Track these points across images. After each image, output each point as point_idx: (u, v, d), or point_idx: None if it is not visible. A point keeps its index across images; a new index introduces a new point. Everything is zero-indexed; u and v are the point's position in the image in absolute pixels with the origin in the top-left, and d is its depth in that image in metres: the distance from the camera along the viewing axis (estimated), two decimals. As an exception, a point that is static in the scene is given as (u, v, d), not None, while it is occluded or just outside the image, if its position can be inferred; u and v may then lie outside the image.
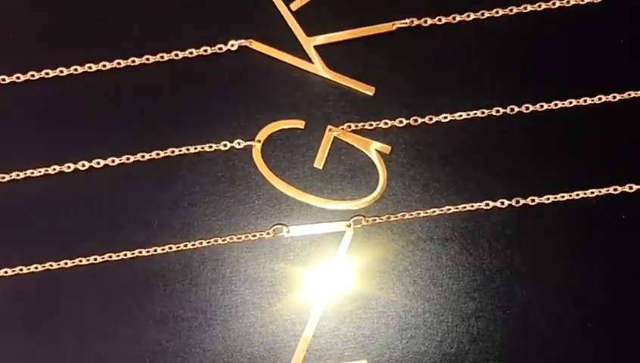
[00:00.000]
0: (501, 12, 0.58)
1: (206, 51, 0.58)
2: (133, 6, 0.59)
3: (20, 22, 0.59)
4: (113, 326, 0.58)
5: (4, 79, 0.58)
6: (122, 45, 0.59)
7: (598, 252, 0.58)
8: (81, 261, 0.58)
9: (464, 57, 0.58)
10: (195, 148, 0.59)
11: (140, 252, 0.59)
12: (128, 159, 0.59)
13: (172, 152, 0.59)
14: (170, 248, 0.59)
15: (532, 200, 0.59)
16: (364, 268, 0.58)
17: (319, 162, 0.59)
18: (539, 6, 0.57)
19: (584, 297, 0.57)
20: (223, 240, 0.59)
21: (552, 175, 0.59)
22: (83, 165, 0.59)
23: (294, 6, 0.58)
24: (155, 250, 0.59)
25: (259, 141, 0.59)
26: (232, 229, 0.59)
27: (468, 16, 0.58)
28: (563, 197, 0.59)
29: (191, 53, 0.59)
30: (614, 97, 0.59)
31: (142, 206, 0.59)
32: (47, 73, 0.58)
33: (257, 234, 0.59)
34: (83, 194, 0.58)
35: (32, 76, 0.58)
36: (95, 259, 0.58)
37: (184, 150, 0.59)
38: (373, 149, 0.59)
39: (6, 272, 0.58)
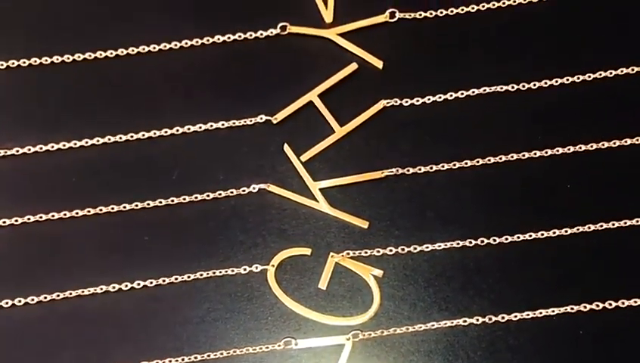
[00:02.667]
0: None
1: (232, 192, 0.59)
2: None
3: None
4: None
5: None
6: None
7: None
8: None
9: (439, 199, 0.59)
10: (220, 272, 0.59)
11: (170, 361, 0.57)
12: (164, 281, 0.59)
13: (201, 275, 0.59)
14: (196, 357, 0.57)
15: (503, 317, 0.58)
16: (361, 375, 0.54)
17: (323, 284, 0.59)
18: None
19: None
20: (240, 351, 0.57)
21: (519, 296, 0.58)
22: (125, 286, 0.58)
23: (304, 158, 0.60)
24: (182, 359, 0.57)
25: (273, 265, 0.58)
26: (248, 341, 0.58)
27: (443, 165, 0.59)
28: (528, 315, 0.58)
29: (220, 194, 0.59)
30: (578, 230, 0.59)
31: (173, 321, 0.58)
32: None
33: (269, 346, 0.57)
34: (118, 309, 0.58)
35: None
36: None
37: (210, 273, 0.59)
38: (368, 273, 0.59)
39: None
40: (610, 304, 0.57)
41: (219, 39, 0.60)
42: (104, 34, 0.60)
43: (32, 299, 0.58)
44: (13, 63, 0.60)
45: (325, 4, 0.60)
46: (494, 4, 0.61)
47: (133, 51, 0.60)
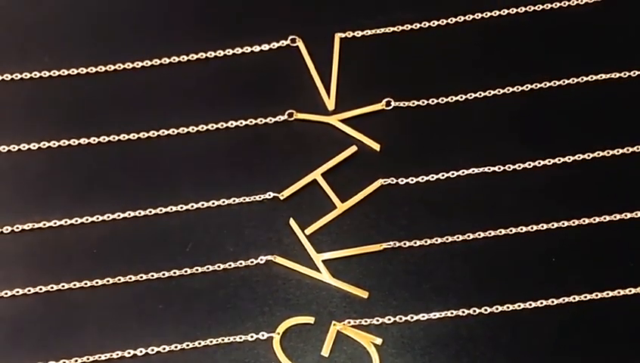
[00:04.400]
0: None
1: (241, 263, 0.58)
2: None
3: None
4: None
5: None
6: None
7: None
8: None
9: (434, 271, 0.57)
10: (229, 339, 0.56)
11: (180, 425, 0.52)
12: (176, 347, 0.56)
13: (211, 342, 0.56)
14: (204, 422, 0.52)
15: None
16: None
17: (326, 351, 0.56)
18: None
19: None
20: (247, 416, 0.54)
21: None
22: (140, 351, 0.56)
23: (308, 231, 0.58)
24: (192, 423, 0.52)
25: (278, 333, 0.56)
26: (255, 406, 0.53)
27: (437, 240, 0.58)
28: None
29: (229, 265, 0.57)
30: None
31: None
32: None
33: (275, 411, 0.54)
34: None
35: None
36: None
37: (219, 340, 0.56)
38: (369, 341, 0.56)
39: None
40: None
41: (232, 124, 0.60)
42: (127, 118, 0.60)
43: None
44: (44, 144, 0.59)
45: (328, 93, 0.61)
46: (480, 94, 0.61)
47: (154, 134, 0.60)
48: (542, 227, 0.57)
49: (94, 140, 0.60)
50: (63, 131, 0.60)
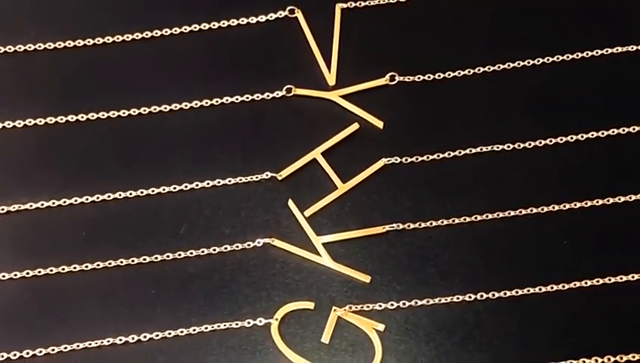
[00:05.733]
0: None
1: (237, 246, 0.56)
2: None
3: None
4: None
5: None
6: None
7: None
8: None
9: (439, 254, 0.55)
10: (224, 325, 0.54)
11: (174, 415, 0.50)
12: (169, 333, 0.54)
13: (206, 328, 0.54)
14: (199, 412, 0.50)
15: None
16: None
17: (326, 338, 0.54)
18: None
19: None
20: (244, 405, 0.51)
21: (519, 351, 0.53)
22: (132, 338, 0.54)
23: (307, 213, 0.56)
24: (186, 413, 0.50)
25: (276, 319, 0.54)
26: (252, 395, 0.51)
27: (442, 221, 0.56)
28: None
29: (225, 248, 0.56)
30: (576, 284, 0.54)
31: None
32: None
33: (273, 399, 0.51)
34: (124, 362, 0.53)
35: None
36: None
37: (215, 326, 0.54)
38: (370, 327, 0.54)
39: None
40: (609, 358, 0.53)
41: (227, 100, 0.58)
42: (117, 94, 0.58)
43: (40, 352, 0.53)
44: (30, 122, 0.57)
45: (328, 68, 0.58)
46: (489, 68, 0.58)
47: (145, 111, 0.58)
48: (553, 208, 0.55)
49: (82, 117, 0.57)
50: (50, 109, 0.57)
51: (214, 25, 0.58)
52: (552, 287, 0.54)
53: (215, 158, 0.56)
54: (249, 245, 0.55)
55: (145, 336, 0.54)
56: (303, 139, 0.56)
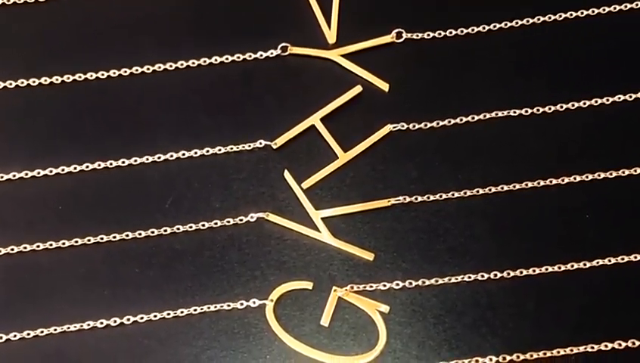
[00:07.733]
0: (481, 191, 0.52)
1: (229, 221, 0.53)
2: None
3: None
4: None
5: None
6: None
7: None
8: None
9: (449, 230, 0.53)
10: (215, 306, 0.51)
11: (161, 403, 0.47)
12: (155, 316, 0.51)
13: (195, 310, 0.51)
14: (189, 399, 0.48)
15: (517, 357, 0.50)
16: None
17: (325, 320, 0.51)
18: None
19: None
20: (237, 392, 0.48)
21: (535, 334, 0.51)
22: (114, 321, 0.52)
23: (305, 185, 0.53)
24: (175, 400, 0.48)
25: (271, 300, 0.51)
26: (246, 382, 0.48)
27: (453, 194, 0.53)
28: (545, 354, 0.50)
29: (216, 223, 0.53)
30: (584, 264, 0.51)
31: (165, 360, 0.51)
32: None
33: (268, 386, 0.48)
34: (105, 347, 0.51)
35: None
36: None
37: (205, 308, 0.51)
38: (374, 309, 0.51)
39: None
40: (634, 342, 0.50)
41: (216, 60, 0.54)
42: (95, 54, 0.54)
43: (15, 335, 0.50)
44: (-1, 85, 0.52)
45: (328, 23, 0.55)
46: (506, 24, 0.54)
47: (126, 72, 0.54)
48: (575, 179, 0.52)
49: (57, 79, 0.54)
50: (22, 70, 0.54)
51: (201, -24, 0.54)
52: (573, 266, 0.51)
53: (203, 125, 0.54)
54: (241, 220, 0.52)
55: (129, 319, 0.51)
56: (300, 104, 0.53)
